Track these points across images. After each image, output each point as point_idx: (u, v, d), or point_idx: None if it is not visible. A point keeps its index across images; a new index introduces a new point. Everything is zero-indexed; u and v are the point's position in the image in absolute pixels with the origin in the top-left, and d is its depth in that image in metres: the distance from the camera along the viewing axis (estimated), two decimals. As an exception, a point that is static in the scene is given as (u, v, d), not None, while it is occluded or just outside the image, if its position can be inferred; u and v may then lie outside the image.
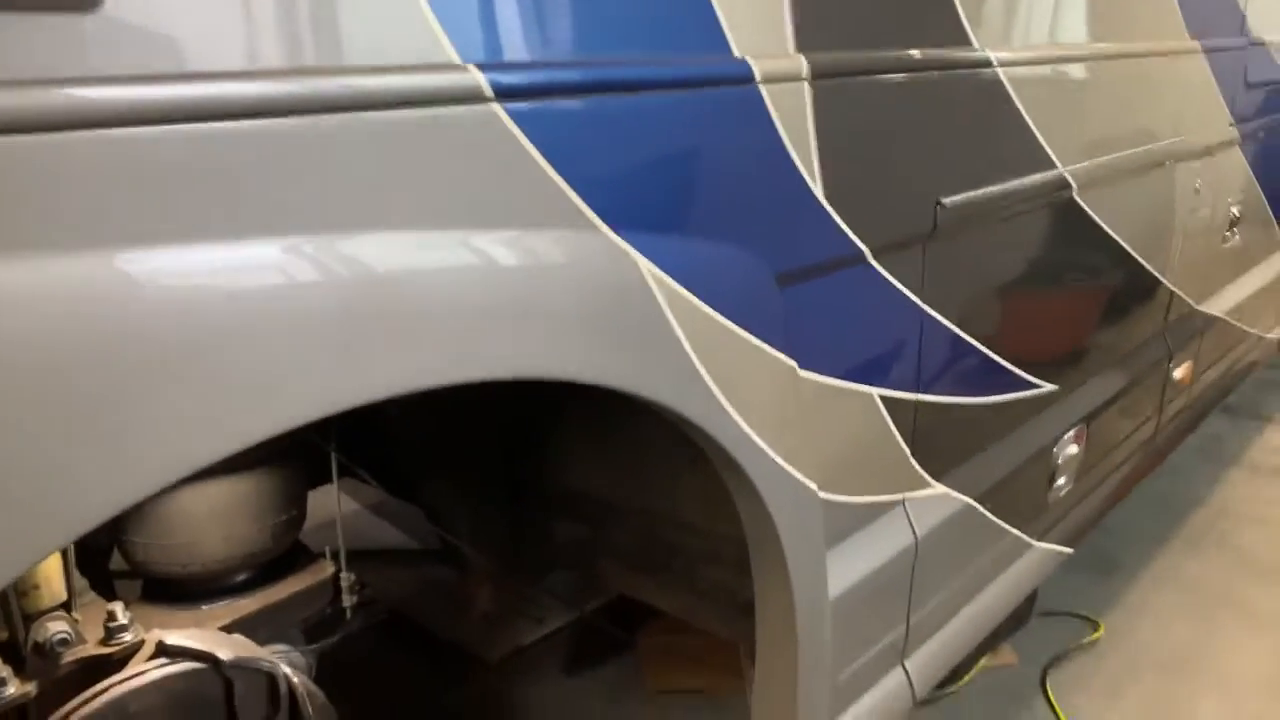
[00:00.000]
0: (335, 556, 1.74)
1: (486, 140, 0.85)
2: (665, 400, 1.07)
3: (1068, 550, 2.20)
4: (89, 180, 0.65)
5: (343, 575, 1.74)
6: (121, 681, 1.16)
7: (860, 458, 1.48)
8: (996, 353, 1.75)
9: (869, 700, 1.58)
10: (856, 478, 1.48)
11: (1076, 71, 1.80)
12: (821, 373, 1.33)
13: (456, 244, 0.84)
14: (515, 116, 0.86)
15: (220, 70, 0.70)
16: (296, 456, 1.66)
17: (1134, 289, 2.28)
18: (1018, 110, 1.60)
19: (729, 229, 1.12)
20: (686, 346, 1.07)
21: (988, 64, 1.50)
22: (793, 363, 1.24)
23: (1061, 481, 2.07)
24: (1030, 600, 2.58)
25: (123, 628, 1.27)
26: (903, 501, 1.60)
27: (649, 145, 1.00)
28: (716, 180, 1.09)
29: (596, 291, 0.97)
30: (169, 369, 0.70)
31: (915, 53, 1.35)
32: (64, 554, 1.25)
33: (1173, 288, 2.47)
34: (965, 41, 1.45)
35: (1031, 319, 1.89)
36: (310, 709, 1.25)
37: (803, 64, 1.15)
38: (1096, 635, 2.63)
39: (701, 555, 1.78)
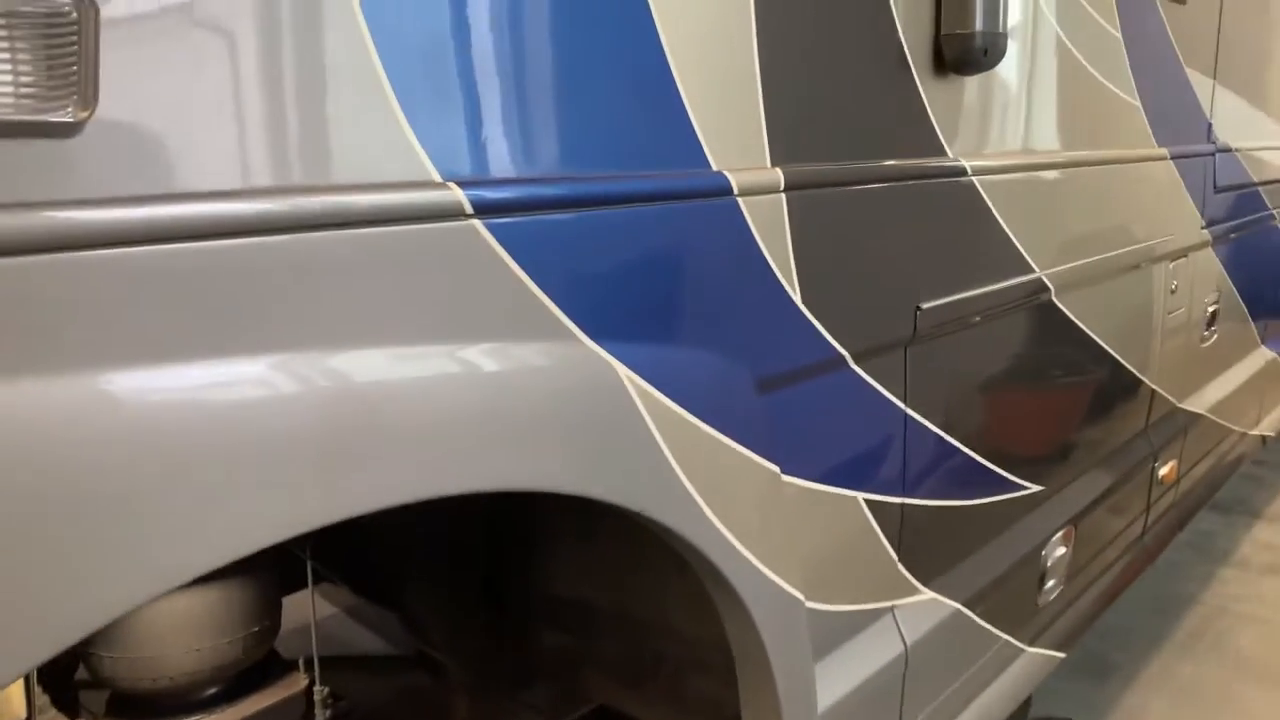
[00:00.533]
0: (309, 667, 1.69)
1: (466, 255, 0.85)
2: (646, 510, 1.05)
3: (1060, 654, 2.16)
4: (69, 302, 0.65)
5: (316, 689, 1.69)
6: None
7: (847, 564, 1.46)
8: (981, 454, 1.75)
9: (857, 821, 1.52)
10: (844, 585, 1.46)
11: (1050, 178, 1.85)
12: (806, 478, 1.32)
13: (436, 357, 0.84)
14: (494, 231, 0.86)
15: (204, 190, 0.71)
16: (269, 565, 1.63)
17: (1115, 388, 2.29)
18: (993, 216, 1.63)
19: (709, 336, 1.12)
20: (667, 454, 1.06)
21: (962, 173, 1.53)
22: (775, 468, 1.24)
23: (1051, 584, 2.04)
24: (1025, 706, 2.51)
25: (86, 749, 1.22)
26: (891, 609, 1.57)
27: (628, 256, 1.01)
28: (696, 289, 1.10)
29: (576, 401, 0.96)
30: (144, 489, 0.69)
31: (890, 163, 1.38)
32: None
33: (1154, 386, 2.49)
34: (939, 151, 1.49)
35: (1014, 420, 1.90)
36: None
37: (779, 177, 1.17)
38: (1094, 743, 2.57)
39: (688, 665, 1.74)
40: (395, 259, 0.81)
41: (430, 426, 0.83)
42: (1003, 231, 1.67)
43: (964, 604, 1.74)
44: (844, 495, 1.40)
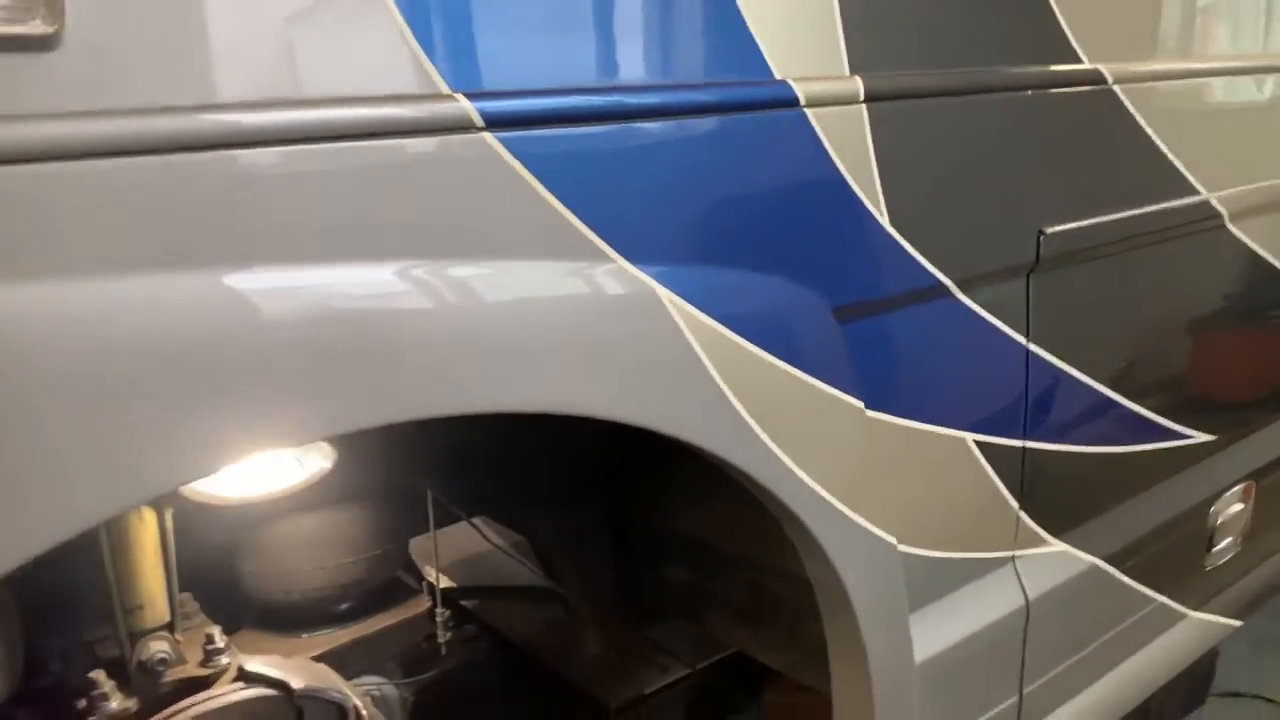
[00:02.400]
0: (432, 593, 1.76)
1: (478, 169, 0.83)
2: (697, 440, 1.01)
3: (1234, 623, 1.95)
4: (59, 210, 0.68)
5: (438, 611, 1.75)
6: (196, 704, 1.20)
7: (954, 510, 1.36)
8: (1132, 399, 1.58)
9: (970, 778, 1.44)
10: (951, 532, 1.36)
11: (1221, 87, 1.62)
12: (899, 415, 1.23)
13: (447, 273, 0.83)
14: (509, 145, 0.84)
15: (199, 103, 0.72)
16: (394, 494, 1.70)
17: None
18: (1144, 132, 1.45)
19: (773, 260, 1.05)
20: (720, 382, 1.01)
21: (1100, 80, 1.37)
22: (858, 403, 1.16)
23: (1223, 545, 1.84)
24: (1205, 678, 2.30)
25: (219, 650, 1.32)
26: (1012, 559, 1.46)
27: (668, 175, 0.96)
28: (754, 210, 1.03)
29: (610, 325, 0.93)
30: (149, 391, 0.72)
31: (1003, 70, 1.24)
32: (168, 575, 1.31)
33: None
34: (1071, 56, 1.33)
35: (1177, 362, 1.70)
36: (377, 741, 1.25)
37: (858, 86, 1.08)
38: (1287, 722, 2.32)
39: (806, 609, 1.69)
40: (401, 173, 0.80)
41: (440, 343, 0.82)
42: (1156, 149, 1.48)
43: (1106, 559, 1.59)
44: (947, 435, 1.30)
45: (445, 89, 0.81)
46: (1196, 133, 1.55)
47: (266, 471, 1.46)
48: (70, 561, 1.23)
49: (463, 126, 0.81)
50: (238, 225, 0.74)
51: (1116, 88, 1.39)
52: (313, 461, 1.49)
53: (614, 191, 0.92)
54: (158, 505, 1.25)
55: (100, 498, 0.72)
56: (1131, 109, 1.42)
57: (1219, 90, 1.63)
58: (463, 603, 2.58)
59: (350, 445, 1.48)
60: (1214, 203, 1.61)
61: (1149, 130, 1.46)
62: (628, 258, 0.93)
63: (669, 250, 0.97)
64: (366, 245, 0.80)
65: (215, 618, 1.43)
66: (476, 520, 2.29)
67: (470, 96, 0.81)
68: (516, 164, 0.84)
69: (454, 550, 2.79)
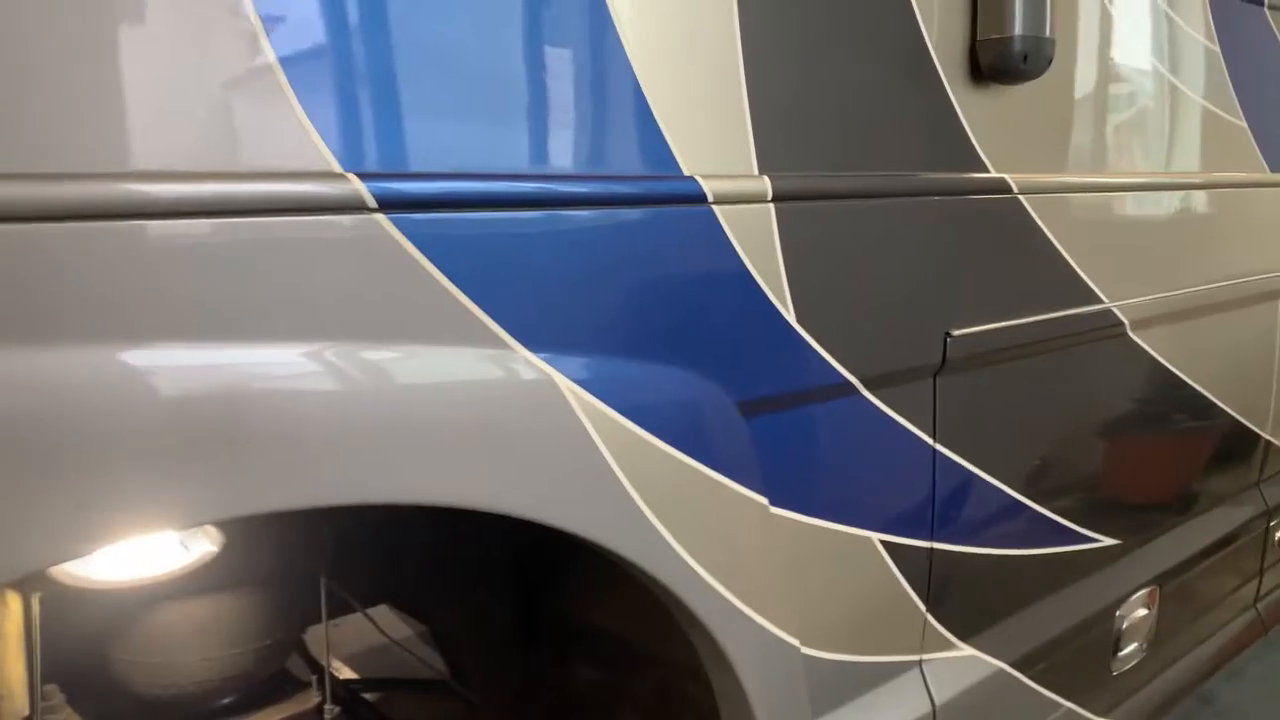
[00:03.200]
0: (321, 686, 1.67)
1: (369, 251, 0.81)
2: (596, 538, 0.98)
3: (1142, 730, 1.94)
4: None
5: (327, 708, 1.67)
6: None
7: (860, 611, 1.34)
8: (1038, 501, 1.59)
9: None
10: (857, 634, 1.34)
11: (1124, 201, 1.69)
12: (804, 512, 1.22)
13: (337, 357, 0.79)
14: (403, 228, 0.82)
15: (77, 171, 0.69)
16: (283, 582, 1.62)
17: (1215, 437, 2.08)
18: (1048, 240, 1.50)
19: (676, 353, 1.04)
20: (620, 477, 0.99)
21: (1005, 189, 1.41)
22: (761, 499, 1.14)
23: (1129, 650, 1.85)
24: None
25: (82, 750, 1.23)
26: (919, 663, 1.44)
27: (569, 264, 0.95)
28: (657, 302, 1.03)
29: (505, 413, 0.90)
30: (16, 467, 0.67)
31: (909, 176, 1.27)
32: (30, 665, 1.23)
33: (1269, 437, 2.24)
34: (977, 165, 1.37)
35: (1083, 465, 1.73)
36: None
37: (766, 185, 1.09)
38: (1198, 833, 2.31)
39: (714, 711, 1.64)
40: (290, 252, 0.77)
41: (324, 430, 0.78)
42: (1060, 257, 1.52)
43: (1012, 665, 1.58)
44: (853, 534, 1.29)
45: (337, 168, 0.79)
46: (1099, 243, 1.60)
47: (147, 555, 1.38)
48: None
49: (355, 206, 0.79)
50: (109, 298, 0.70)
51: (1022, 197, 1.43)
52: (198, 545, 1.42)
53: (512, 278, 0.90)
54: (23, 589, 1.18)
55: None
56: (1036, 218, 1.46)
57: (1121, 203, 1.69)
58: (364, 695, 2.47)
59: (239, 530, 1.41)
60: (1115, 311, 1.65)
61: (1053, 239, 1.50)
62: (526, 345, 0.91)
63: (570, 339, 0.95)
64: (250, 324, 0.77)
65: (84, 712, 1.34)
66: (380, 609, 2.21)
67: (363, 177, 0.80)
68: (410, 246, 0.82)
69: (359, 640, 2.68)
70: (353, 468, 0.81)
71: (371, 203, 0.80)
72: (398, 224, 0.82)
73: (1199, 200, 1.90)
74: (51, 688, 1.33)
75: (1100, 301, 1.62)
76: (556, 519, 0.95)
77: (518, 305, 0.91)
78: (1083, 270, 1.56)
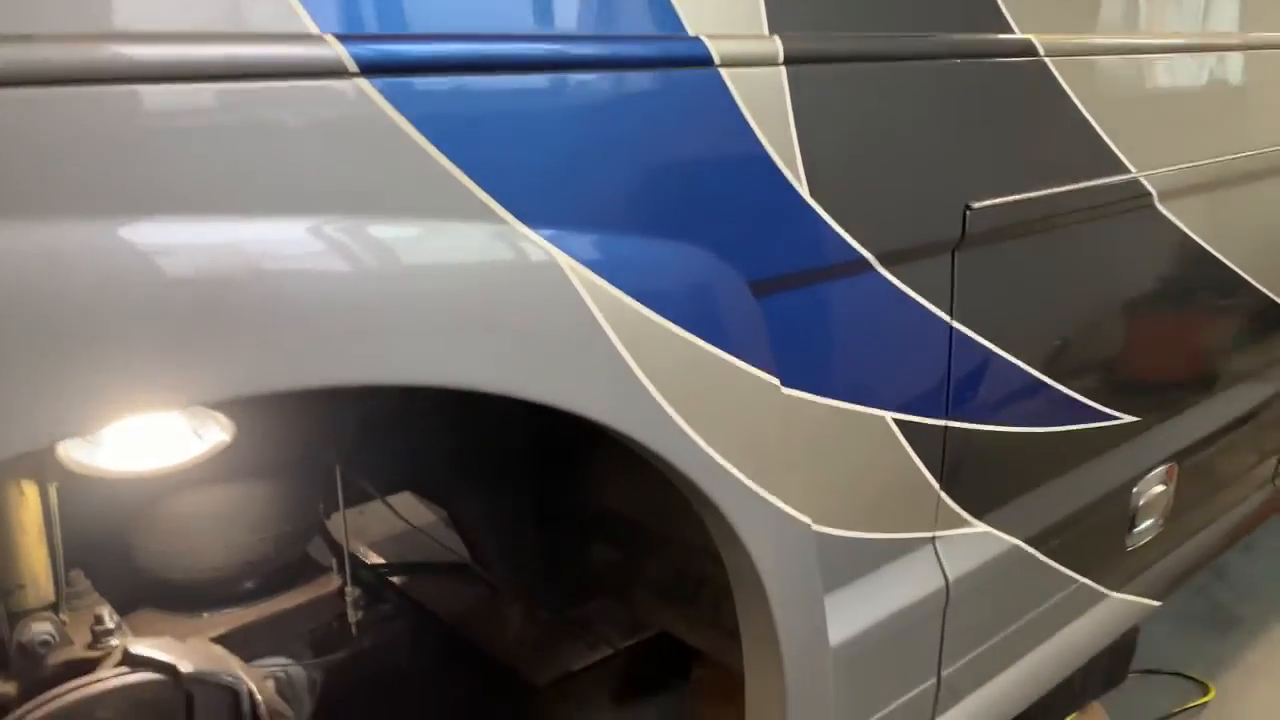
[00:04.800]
0: (342, 570, 1.70)
1: (352, 119, 0.77)
2: (603, 419, 0.96)
3: (1154, 603, 1.96)
4: None
5: (347, 589, 1.70)
6: (75, 688, 1.14)
7: (873, 490, 1.33)
8: (1057, 379, 1.56)
9: (886, 761, 1.42)
10: (870, 512, 1.34)
11: (1157, 64, 1.60)
12: (817, 392, 1.20)
13: (320, 233, 0.76)
14: (387, 94, 0.77)
15: (56, 32, 0.65)
16: (305, 469, 1.63)
17: (1243, 314, 2.03)
18: (1075, 107, 1.43)
19: (683, 229, 1.00)
20: (626, 358, 0.96)
21: (1030, 52, 1.33)
22: (773, 380, 1.12)
23: (1145, 526, 1.84)
24: (1126, 655, 2.32)
25: (108, 631, 1.25)
26: (933, 540, 1.44)
27: (568, 134, 0.90)
28: (661, 175, 0.98)
29: (504, 294, 0.87)
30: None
31: (930, 37, 1.20)
32: (52, 553, 1.25)
33: (1300, 314, 2.19)
34: (1001, 26, 1.29)
35: (1104, 342, 1.69)
36: (270, 728, 1.20)
37: (777, 47, 1.03)
38: (1205, 699, 2.36)
39: (728, 589, 1.66)
40: (269, 120, 0.73)
41: (312, 308, 0.76)
42: (1087, 125, 1.46)
43: (1027, 541, 1.58)
44: (866, 414, 1.27)
45: (314, 29, 0.74)
46: (1128, 110, 1.53)
47: (161, 445, 1.38)
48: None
49: (334, 71, 0.75)
50: (102, 169, 0.68)
51: (1048, 60, 1.36)
52: (211, 434, 1.42)
53: (508, 149, 0.86)
54: (41, 479, 1.18)
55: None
56: (1062, 82, 1.39)
57: (1153, 67, 1.60)
58: (391, 579, 2.53)
59: (253, 418, 1.41)
60: (1143, 181, 1.59)
61: (1080, 105, 1.43)
62: (524, 221, 0.88)
63: (571, 215, 0.91)
64: (230, 198, 0.74)
65: (110, 597, 1.36)
66: (403, 495, 2.24)
67: (342, 39, 0.75)
68: (395, 114, 0.78)
69: (383, 527, 2.73)
70: (350, 347, 0.78)
71: (352, 66, 0.75)
72: (381, 90, 0.77)
73: (1235, 63, 1.81)
74: (76, 574, 1.35)
75: (1128, 171, 1.55)
76: (560, 401, 0.93)
77: (513, 178, 0.86)
78: (1110, 138, 1.49)
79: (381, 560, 2.72)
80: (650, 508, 1.72)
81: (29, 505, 1.19)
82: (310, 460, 1.64)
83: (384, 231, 0.80)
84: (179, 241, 0.72)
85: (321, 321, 0.77)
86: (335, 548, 1.80)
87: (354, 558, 1.75)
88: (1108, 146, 1.49)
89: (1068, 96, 1.40)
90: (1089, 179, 1.48)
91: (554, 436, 1.78)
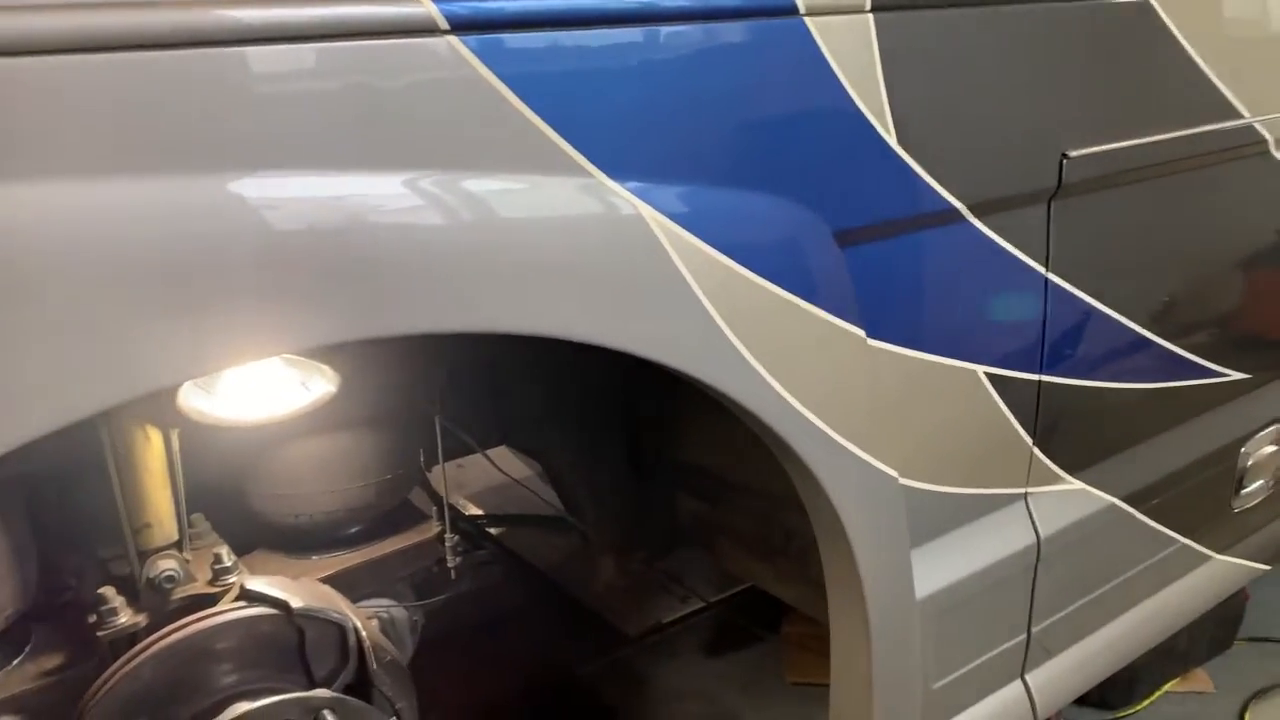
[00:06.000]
0: (442, 518, 1.76)
1: (442, 75, 0.79)
2: (686, 369, 0.98)
3: (1263, 567, 1.89)
4: (57, 107, 0.67)
5: (446, 536, 1.76)
6: (195, 621, 1.21)
7: (963, 444, 1.32)
8: (1158, 333, 1.51)
9: (975, 713, 1.42)
10: (959, 467, 1.32)
11: (1270, 2, 1.52)
12: (905, 345, 1.19)
13: (416, 186, 0.79)
14: (477, 50, 0.80)
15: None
16: (407, 420, 1.69)
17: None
18: (1182, 50, 1.37)
19: (767, 180, 1.01)
20: (709, 308, 0.97)
21: (1136, -7, 1.28)
22: (859, 331, 1.12)
23: (1254, 487, 1.78)
24: (1234, 621, 2.25)
25: (227, 569, 1.33)
26: (1024, 496, 1.42)
27: (657, 85, 0.91)
28: (746, 126, 0.98)
29: (586, 243, 0.89)
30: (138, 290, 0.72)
31: (1025, -20, 1.17)
32: (175, 495, 1.33)
33: None
34: (1103, -34, 1.25)
35: (1210, 296, 1.63)
36: (376, 664, 1.26)
37: (865, -6, 1.02)
38: (1316, 670, 2.27)
39: (815, 542, 1.67)
40: (364, 78, 0.76)
41: (409, 258, 0.79)
42: (1196, 68, 1.39)
43: (1126, 499, 1.54)
44: (957, 367, 1.26)
45: (408, -11, 0.77)
46: (1241, 51, 1.46)
47: (272, 396, 1.45)
48: (82, 481, 1.25)
49: (426, 29, 0.77)
50: (215, 127, 0.72)
51: (1155, 4, 1.30)
52: (318, 385, 1.48)
53: (594, 103, 0.88)
54: (164, 425, 1.26)
55: (93, 389, 0.72)
56: (1169, 23, 1.33)
57: (1267, 6, 1.52)
58: (489, 529, 2.61)
59: (360, 371, 1.47)
60: (1259, 128, 1.52)
61: (1188, 47, 1.37)
62: (609, 174, 0.89)
63: (655, 167, 0.93)
64: (332, 154, 0.77)
65: (228, 538, 1.45)
66: (500, 450, 2.30)
67: (434, -2, 0.77)
68: (485, 70, 0.80)
69: (483, 479, 2.82)
70: (444, 295, 0.82)
71: (443, 24, 0.78)
72: (472, 47, 0.80)
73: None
74: (197, 516, 1.44)
75: (1240, 116, 1.48)
76: (643, 350, 0.95)
77: (598, 131, 0.88)
78: (1221, 81, 1.42)
79: (479, 511, 2.80)
80: (739, 461, 1.73)
81: (153, 449, 1.26)
82: (411, 412, 1.70)
83: (476, 185, 0.83)
84: (285, 195, 0.76)
85: (417, 271, 0.81)
86: (435, 498, 1.86)
87: (453, 509, 1.81)
88: (1219, 91, 1.43)
89: (1174, 37, 1.34)
90: (1198, 125, 1.42)
91: (645, 391, 1.80)
